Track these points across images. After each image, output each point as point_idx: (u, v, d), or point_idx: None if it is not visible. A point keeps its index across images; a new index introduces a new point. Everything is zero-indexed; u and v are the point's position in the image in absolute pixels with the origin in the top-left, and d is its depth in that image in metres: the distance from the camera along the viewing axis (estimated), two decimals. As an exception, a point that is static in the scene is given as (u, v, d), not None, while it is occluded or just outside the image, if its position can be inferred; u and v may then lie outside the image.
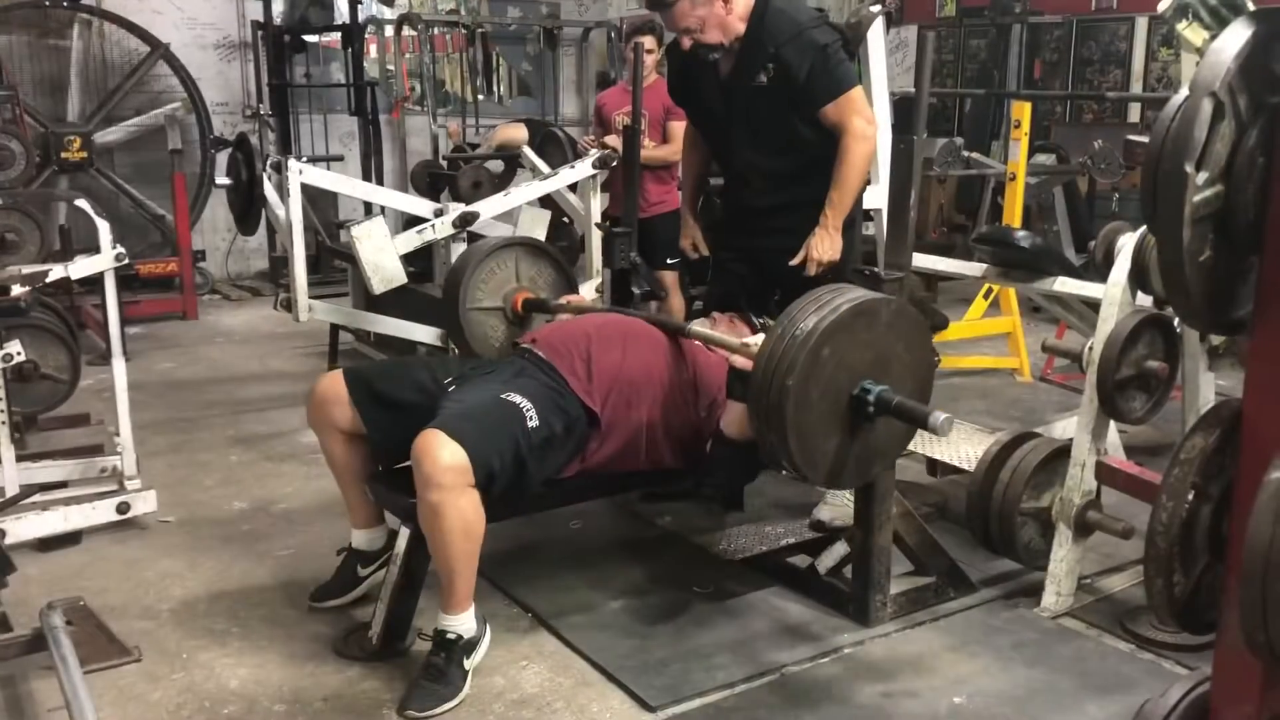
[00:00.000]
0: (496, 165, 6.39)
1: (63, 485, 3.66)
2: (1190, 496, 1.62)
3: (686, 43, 3.18)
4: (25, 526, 3.31)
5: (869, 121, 3.18)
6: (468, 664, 2.59)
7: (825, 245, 3.18)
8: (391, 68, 8.93)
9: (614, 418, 2.81)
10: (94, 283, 3.69)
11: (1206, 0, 2.90)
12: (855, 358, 2.43)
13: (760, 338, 2.67)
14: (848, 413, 2.46)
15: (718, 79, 3.30)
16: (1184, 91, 1.52)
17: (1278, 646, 1.42)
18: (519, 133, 6.15)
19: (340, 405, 2.83)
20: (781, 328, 2.40)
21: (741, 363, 2.66)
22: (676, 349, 3.00)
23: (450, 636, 2.56)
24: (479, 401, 2.67)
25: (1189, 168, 1.45)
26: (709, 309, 3.64)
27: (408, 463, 2.56)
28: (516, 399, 2.66)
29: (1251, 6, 2.75)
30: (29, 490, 3.36)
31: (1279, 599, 1.38)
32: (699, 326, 3.01)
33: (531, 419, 2.63)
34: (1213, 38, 3.02)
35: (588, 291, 4.36)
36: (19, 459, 3.47)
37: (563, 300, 3.43)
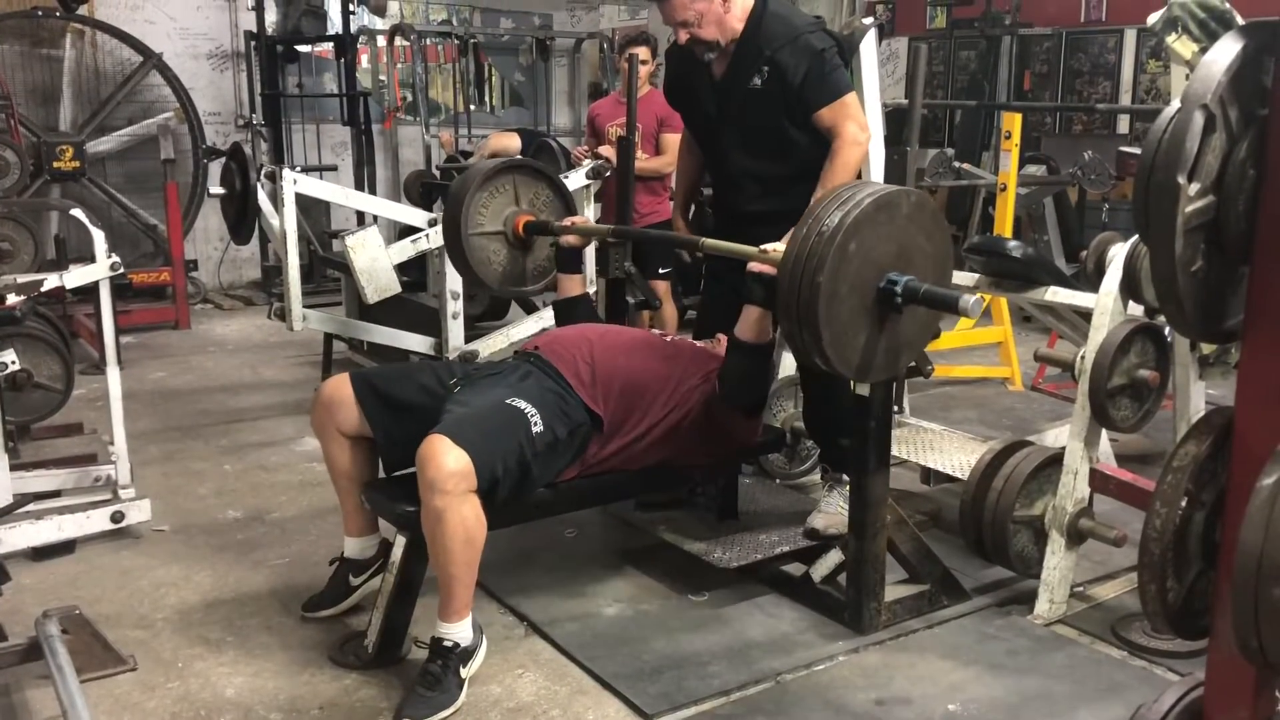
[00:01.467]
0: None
1: (56, 494, 3.65)
2: (1183, 503, 1.64)
3: (683, 36, 3.19)
4: (19, 535, 3.30)
5: (862, 128, 3.20)
6: (464, 672, 2.60)
7: None
8: (384, 78, 8.95)
9: (616, 420, 2.83)
10: (87, 292, 3.69)
11: (1195, 14, 2.93)
12: (880, 251, 2.47)
13: (777, 244, 2.68)
14: (875, 305, 2.50)
15: (711, 81, 3.32)
16: (1175, 104, 1.54)
17: (1270, 652, 1.44)
18: (511, 142, 6.16)
19: (345, 408, 2.84)
20: (806, 226, 2.43)
21: (759, 267, 2.70)
22: (677, 353, 3.03)
23: (447, 644, 2.57)
24: (484, 406, 2.68)
25: (1181, 179, 1.48)
26: (702, 316, 3.67)
27: (410, 469, 2.57)
28: (521, 404, 2.67)
29: (1239, 20, 2.78)
30: (23, 499, 3.36)
31: (1271, 604, 1.40)
32: (713, 242, 2.99)
33: (536, 424, 2.65)
34: (1201, 51, 3.05)
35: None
36: (12, 468, 3.46)
37: (565, 221, 3.42)
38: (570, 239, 3.35)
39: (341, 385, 2.88)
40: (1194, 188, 1.49)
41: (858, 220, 2.40)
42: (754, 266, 2.73)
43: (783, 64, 3.14)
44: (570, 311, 3.40)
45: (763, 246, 2.75)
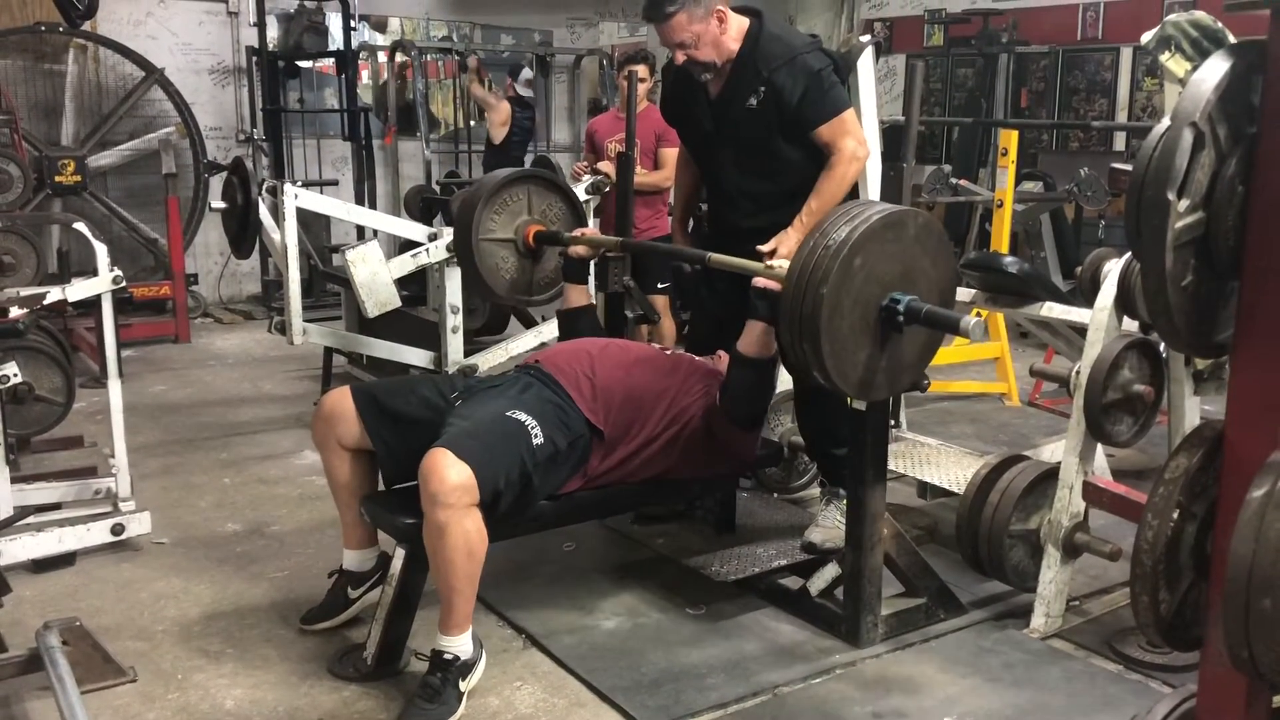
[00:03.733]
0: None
1: (57, 507, 3.67)
2: (1175, 515, 1.65)
3: (681, 57, 3.22)
4: (20, 548, 3.31)
5: (860, 143, 3.23)
6: (463, 685, 2.61)
7: (791, 244, 3.21)
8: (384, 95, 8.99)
9: (616, 432, 2.85)
10: (88, 305, 3.71)
11: (1188, 33, 2.95)
12: (884, 269, 2.49)
13: (784, 261, 2.70)
14: (877, 323, 2.51)
15: (708, 100, 3.35)
16: (1166, 121, 1.56)
17: (1261, 662, 1.45)
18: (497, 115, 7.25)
19: (346, 421, 2.85)
20: (813, 240, 2.45)
21: (764, 282, 2.73)
22: (677, 367, 3.05)
23: (447, 657, 2.57)
24: (485, 419, 2.70)
25: (1171, 195, 1.50)
26: (696, 329, 3.69)
27: (409, 483, 2.58)
28: (521, 416, 2.69)
29: (1232, 39, 2.81)
30: (23, 512, 3.37)
31: (1262, 615, 1.41)
32: (720, 257, 3.01)
33: (536, 436, 2.66)
34: (1194, 69, 3.08)
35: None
36: (13, 481, 3.48)
37: (575, 233, 3.45)
38: (579, 250, 3.39)
39: (343, 398, 2.90)
40: (1184, 204, 1.51)
41: (865, 236, 2.42)
42: (759, 281, 2.77)
43: (780, 84, 3.17)
44: (574, 322, 3.43)
45: (768, 261, 2.78)
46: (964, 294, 3.85)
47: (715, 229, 3.65)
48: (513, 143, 7.54)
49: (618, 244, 3.49)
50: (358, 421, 2.85)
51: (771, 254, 3.06)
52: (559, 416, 2.77)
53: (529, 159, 8.39)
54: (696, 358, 3.26)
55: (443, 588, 2.55)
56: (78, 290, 3.52)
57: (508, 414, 2.70)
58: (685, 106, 3.46)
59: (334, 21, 8.21)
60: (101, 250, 3.48)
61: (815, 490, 3.83)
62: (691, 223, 3.97)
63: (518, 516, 2.70)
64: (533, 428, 2.67)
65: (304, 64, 8.40)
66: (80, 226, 3.64)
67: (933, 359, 2.78)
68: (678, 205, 3.83)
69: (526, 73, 8.03)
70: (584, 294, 3.48)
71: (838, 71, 3.28)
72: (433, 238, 4.57)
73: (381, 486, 2.95)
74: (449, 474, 2.46)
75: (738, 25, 3.23)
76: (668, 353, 3.29)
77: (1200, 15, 3.02)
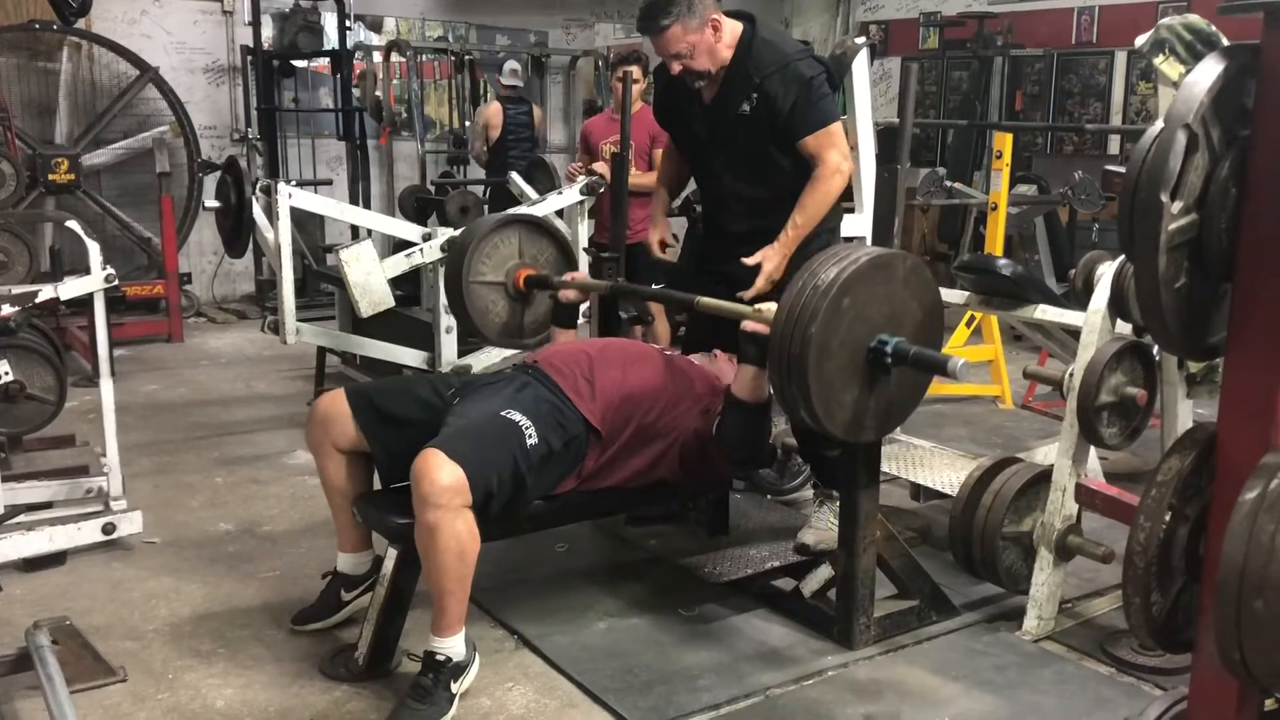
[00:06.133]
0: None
1: (48, 506, 3.65)
2: (1167, 517, 1.66)
3: (676, 67, 3.22)
4: (10, 546, 3.30)
5: (844, 157, 3.23)
6: (455, 687, 2.60)
7: (773, 260, 3.20)
8: (380, 94, 8.98)
9: (613, 433, 2.85)
10: (80, 304, 3.70)
11: (1182, 36, 2.96)
12: (873, 310, 2.49)
13: (771, 304, 2.70)
14: (865, 365, 2.52)
15: (701, 106, 3.35)
16: (1159, 124, 1.57)
17: (1252, 665, 1.45)
18: (495, 118, 7.31)
19: (342, 423, 2.84)
20: (802, 281, 2.44)
21: (753, 326, 2.72)
22: (675, 367, 3.05)
23: (440, 658, 2.56)
24: (478, 419, 2.69)
25: (1164, 197, 1.50)
26: (692, 332, 3.68)
27: (404, 483, 2.58)
28: (516, 416, 2.68)
29: (1225, 43, 2.82)
30: (14, 510, 3.36)
31: (1253, 617, 1.41)
32: (708, 301, 3.00)
33: (531, 437, 2.66)
34: (1188, 72, 3.08)
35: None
36: (4, 479, 3.47)
37: (565, 277, 3.44)
38: (569, 293, 3.38)
39: (337, 400, 2.88)
40: (1177, 206, 1.51)
41: (853, 277, 2.42)
42: (747, 325, 2.74)
43: (772, 91, 3.17)
44: None
45: (757, 306, 2.77)
46: (958, 296, 3.85)
47: (708, 233, 3.65)
48: (507, 141, 7.48)
49: (608, 287, 3.48)
50: (353, 424, 2.83)
51: (760, 288, 3.11)
52: (555, 417, 2.76)
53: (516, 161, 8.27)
54: (697, 363, 3.24)
55: (434, 589, 2.55)
56: (70, 288, 3.51)
57: (501, 414, 2.69)
58: (678, 110, 3.45)
59: (329, 21, 8.20)
60: (94, 249, 3.47)
61: (809, 492, 3.83)
62: (689, 224, 3.95)
63: (511, 517, 2.70)
64: (527, 428, 2.67)
65: (299, 63, 8.38)
66: (73, 225, 3.64)
67: (920, 401, 2.78)
68: (660, 187, 3.76)
69: (510, 64, 8.00)
70: (572, 339, 3.45)
71: (830, 80, 3.28)
72: (427, 238, 4.56)
73: (377, 487, 2.94)
74: (440, 475, 2.45)
75: (731, 31, 3.23)
76: (668, 353, 3.28)
77: (1194, 18, 3.03)
